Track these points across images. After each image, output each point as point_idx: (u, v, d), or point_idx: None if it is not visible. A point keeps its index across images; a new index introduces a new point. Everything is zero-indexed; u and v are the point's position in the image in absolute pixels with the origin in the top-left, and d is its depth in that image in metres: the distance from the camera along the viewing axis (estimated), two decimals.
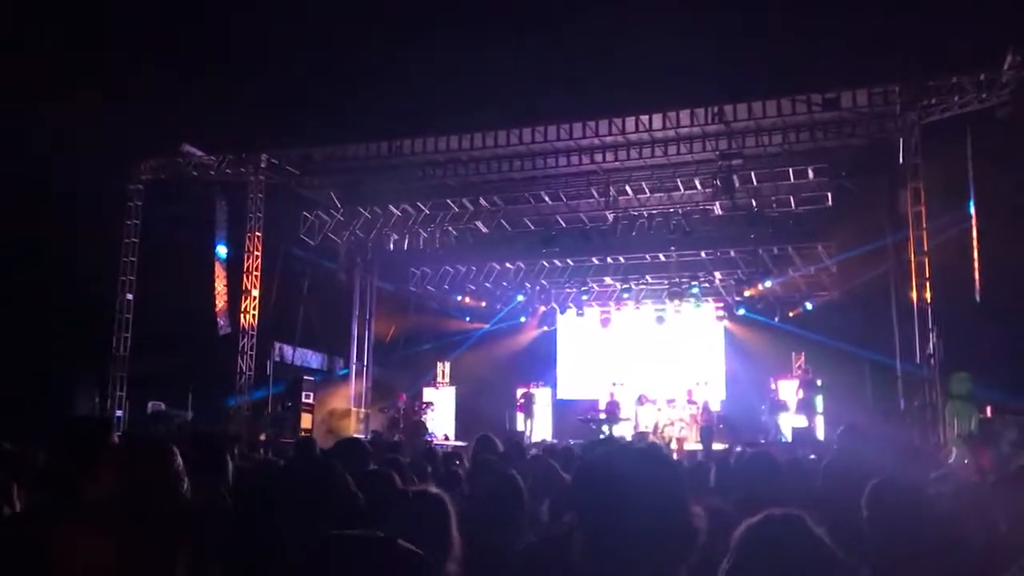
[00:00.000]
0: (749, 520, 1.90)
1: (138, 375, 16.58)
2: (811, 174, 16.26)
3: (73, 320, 14.87)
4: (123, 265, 17.15)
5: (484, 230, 18.82)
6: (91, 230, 15.40)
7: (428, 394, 21.45)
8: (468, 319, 23.27)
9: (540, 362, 22.68)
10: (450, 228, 18.80)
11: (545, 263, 20.62)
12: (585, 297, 21.88)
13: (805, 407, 16.94)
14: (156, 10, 14.63)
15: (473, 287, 21.90)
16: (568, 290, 22.09)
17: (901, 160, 14.33)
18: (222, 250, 17.99)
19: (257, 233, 17.50)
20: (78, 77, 13.72)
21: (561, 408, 21.36)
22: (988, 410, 11.99)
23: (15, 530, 2.41)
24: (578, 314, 22.29)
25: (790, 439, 16.53)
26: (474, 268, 21.16)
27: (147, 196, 17.43)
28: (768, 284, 19.71)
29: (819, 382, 17.73)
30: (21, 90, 13.12)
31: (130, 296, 17.08)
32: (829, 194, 16.70)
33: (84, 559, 1.98)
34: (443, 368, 22.58)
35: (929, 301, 13.79)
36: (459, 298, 22.43)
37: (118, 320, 17.01)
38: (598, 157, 16.25)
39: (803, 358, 19.16)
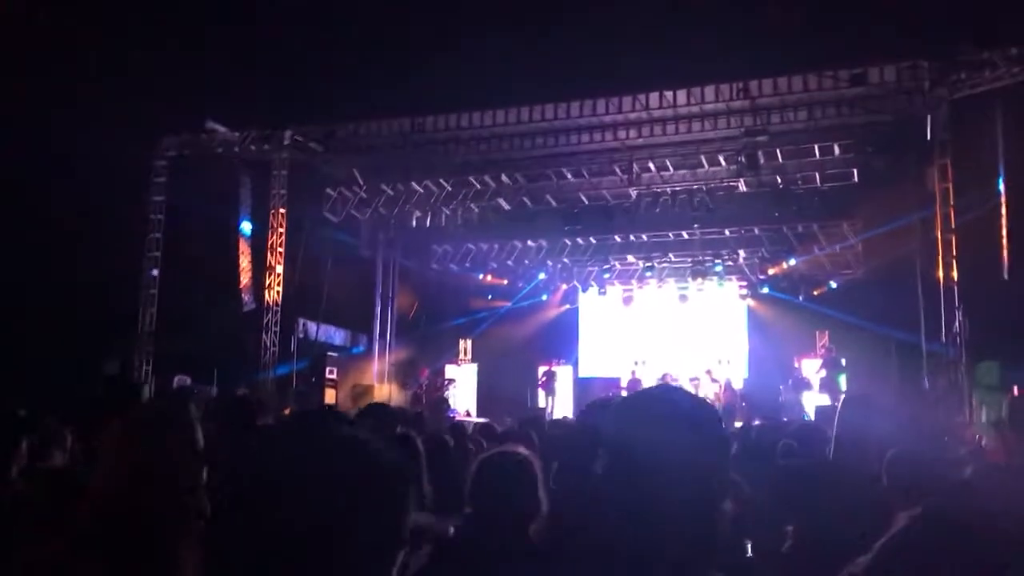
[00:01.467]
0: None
1: (163, 350, 16.77)
2: (837, 150, 16.09)
3: (99, 296, 15.04)
4: (148, 242, 17.31)
5: (506, 207, 18.79)
6: (116, 206, 15.53)
7: (450, 371, 21.53)
8: (490, 297, 23.28)
9: (562, 340, 22.68)
10: (472, 205, 18.78)
11: (567, 241, 20.56)
12: (607, 275, 21.79)
13: (828, 386, 16.84)
14: None
15: (495, 265, 21.89)
16: (590, 268, 22.01)
17: (929, 136, 14.15)
18: (246, 226, 18.09)
19: (281, 210, 17.59)
20: (103, 53, 13.79)
21: (582, 386, 21.36)
22: (1015, 389, 11.86)
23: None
24: (600, 292, 22.23)
25: (813, 417, 16.43)
26: (496, 246, 21.14)
27: (172, 172, 17.56)
28: (792, 262, 19.55)
29: (843, 361, 17.60)
30: (46, 67, 13.22)
31: (155, 272, 17.24)
32: (855, 171, 16.50)
33: None
34: (465, 345, 22.63)
35: (956, 279, 13.66)
36: (481, 276, 22.44)
37: (144, 296, 17.18)
38: (621, 134, 16.15)
39: (827, 337, 19.01)
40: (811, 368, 18.25)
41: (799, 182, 17.01)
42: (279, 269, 17.54)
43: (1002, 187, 13.41)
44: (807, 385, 17.75)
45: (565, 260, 21.59)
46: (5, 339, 11.83)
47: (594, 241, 20.51)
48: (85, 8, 13.46)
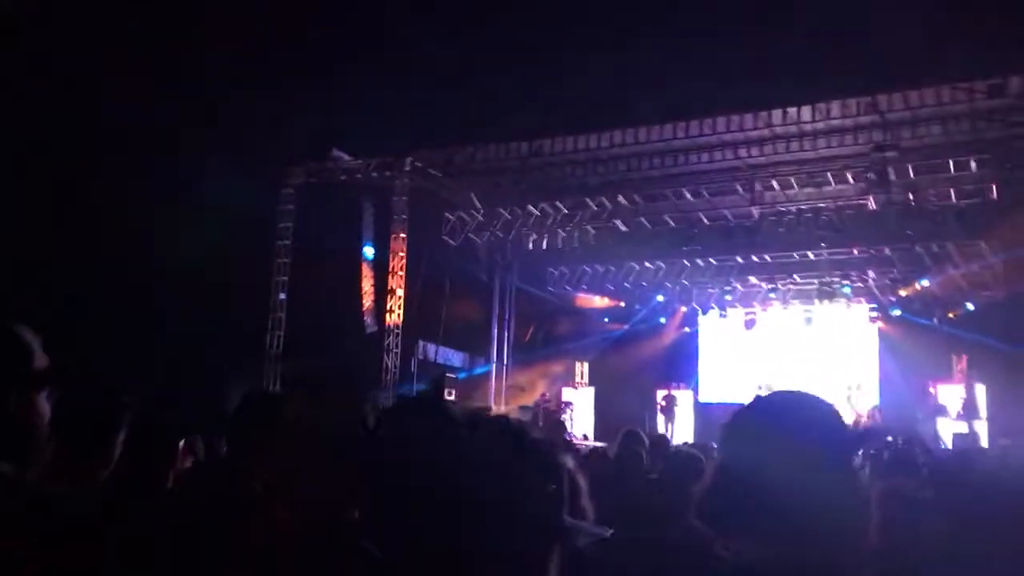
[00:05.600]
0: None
1: (289, 372, 17.28)
2: (974, 166, 15.30)
3: (228, 319, 15.63)
4: (276, 266, 17.94)
5: (624, 229, 18.64)
6: (246, 232, 16.16)
7: (567, 394, 21.44)
8: (607, 319, 23.11)
9: (681, 364, 22.29)
10: (589, 227, 18.71)
11: (686, 262, 20.22)
12: (728, 297, 21.30)
13: (968, 413, 15.96)
14: (304, 21, 15.21)
15: (612, 287, 21.71)
16: (711, 290, 21.57)
17: None
18: (369, 251, 18.55)
19: (401, 234, 17.94)
20: (234, 83, 14.41)
21: (703, 411, 20.90)
22: None
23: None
24: (721, 315, 21.75)
25: (951, 446, 15.61)
26: (612, 268, 20.97)
27: (298, 200, 18.18)
28: (925, 283, 18.66)
29: (983, 386, 16.66)
30: (178, 95, 13.88)
31: (283, 296, 17.84)
32: (994, 187, 15.66)
33: None
34: (582, 368, 22.51)
35: None
36: (598, 298, 22.31)
37: (272, 319, 17.80)
38: (743, 152, 15.83)
39: (964, 361, 18.05)
40: (947, 394, 17.35)
41: (933, 199, 16.25)
42: (400, 292, 17.88)
43: None
44: (943, 412, 16.88)
45: (684, 282, 21.22)
46: (138, 358, 12.38)
47: (714, 262, 20.09)
48: (214, 37, 14.07)
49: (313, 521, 1.85)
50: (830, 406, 1.66)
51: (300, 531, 1.83)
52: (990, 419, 16.28)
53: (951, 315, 19.27)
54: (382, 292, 18.11)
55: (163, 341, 13.51)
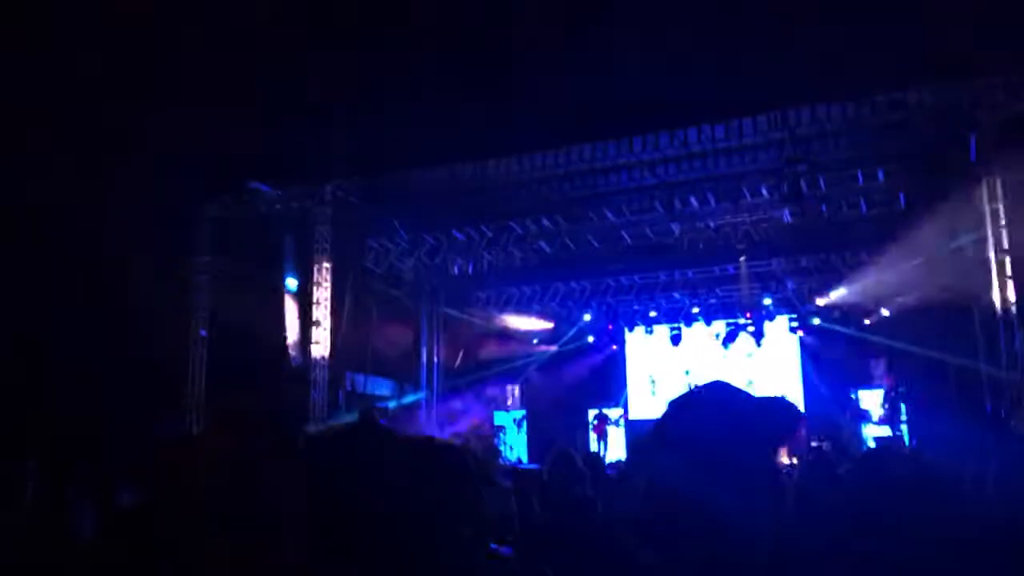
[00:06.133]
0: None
1: (213, 408, 16.85)
2: (881, 176, 15.84)
3: (147, 358, 15.18)
4: (195, 301, 17.52)
5: (548, 250, 18.75)
6: (162, 269, 15.76)
7: (499, 417, 21.38)
8: (536, 341, 23.17)
9: (611, 382, 22.45)
10: (514, 250, 18.78)
11: (611, 281, 20.43)
12: (653, 314, 21.58)
13: (890, 416, 16.43)
14: (218, 52, 14.98)
15: (539, 308, 21.80)
16: (636, 308, 21.82)
17: (974, 157, 13.89)
18: (291, 282, 18.24)
19: (325, 264, 17.70)
20: (149, 121, 14.08)
21: (634, 429, 21.07)
22: None
23: None
24: (647, 332, 22.01)
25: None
26: (539, 289, 21.07)
27: (215, 233, 17.82)
28: (843, 291, 19.21)
29: (901, 389, 17.17)
30: (88, 132, 13.51)
31: (203, 331, 17.41)
32: (901, 196, 16.23)
33: None
34: (513, 391, 22.50)
35: (1013, 300, 13.30)
36: (525, 320, 22.36)
37: (192, 356, 17.34)
38: (660, 170, 16.07)
39: (883, 365, 18.59)
40: (869, 398, 17.84)
41: (845, 209, 16.76)
42: (325, 323, 17.61)
43: None
44: (866, 417, 17.34)
45: (609, 300, 21.44)
46: (49, 399, 11.92)
47: (638, 280, 20.36)
48: (133, 80, 13.76)
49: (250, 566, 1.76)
50: (750, 398, 1.67)
51: None
52: (909, 422, 16.76)
53: (868, 322, 19.83)
54: (307, 324, 17.81)
55: (75, 379, 13.04)
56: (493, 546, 1.33)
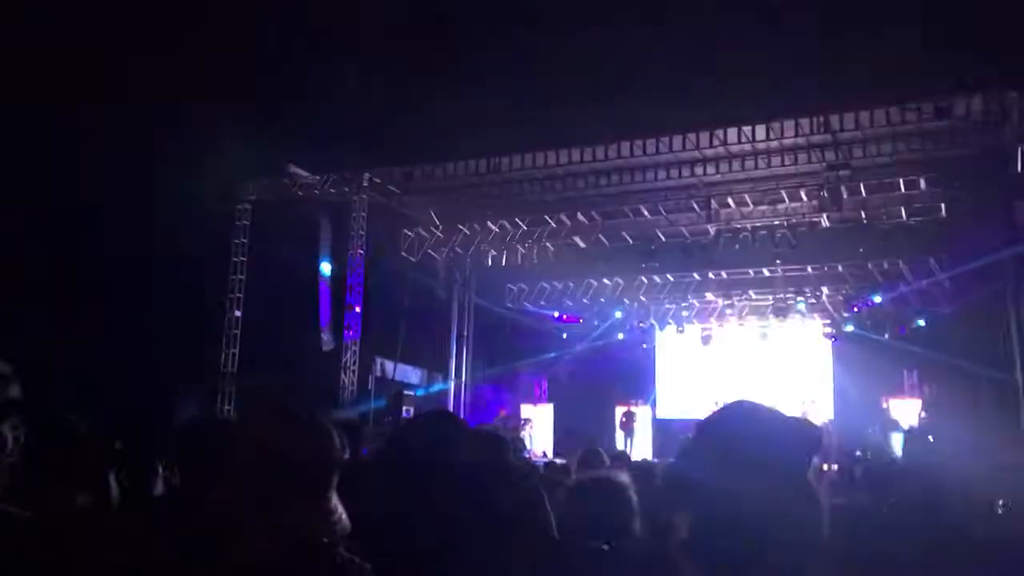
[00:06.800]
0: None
1: (245, 390, 17.03)
2: (923, 184, 15.64)
3: (182, 337, 15.37)
4: (231, 283, 17.71)
5: (582, 245, 18.74)
6: (200, 249, 15.92)
7: (526, 410, 21.42)
8: (565, 336, 23.16)
9: (640, 380, 22.40)
10: (548, 244, 18.78)
11: (644, 279, 20.37)
12: (685, 313, 21.50)
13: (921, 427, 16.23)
14: (260, 35, 15.08)
15: (571, 303, 21.79)
16: (668, 306, 21.75)
17: (1020, 169, 13.67)
18: (326, 267, 18.39)
19: (359, 250, 17.83)
20: (188, 101, 14.21)
21: (661, 427, 21.02)
22: None
23: None
24: (678, 331, 21.93)
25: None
26: (571, 284, 21.06)
27: (254, 216, 17.99)
28: (878, 299, 19.01)
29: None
30: (125, 113, 13.66)
31: (238, 313, 17.61)
32: (943, 205, 16.01)
33: None
34: (541, 384, 22.53)
35: None
36: (556, 314, 22.37)
37: (226, 336, 17.54)
38: (699, 170, 15.99)
39: (915, 376, 18.39)
40: (900, 408, 17.66)
41: (884, 217, 16.57)
42: (358, 309, 17.74)
43: None
44: (896, 426, 17.15)
45: (642, 298, 21.38)
46: (86, 381, 12.10)
47: (671, 279, 20.28)
48: (165, 55, 13.86)
49: (291, 541, 1.80)
50: (784, 417, 1.70)
51: (278, 551, 1.78)
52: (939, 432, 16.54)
53: (902, 331, 19.60)
54: (339, 309, 17.95)
55: (114, 360, 13.22)
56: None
